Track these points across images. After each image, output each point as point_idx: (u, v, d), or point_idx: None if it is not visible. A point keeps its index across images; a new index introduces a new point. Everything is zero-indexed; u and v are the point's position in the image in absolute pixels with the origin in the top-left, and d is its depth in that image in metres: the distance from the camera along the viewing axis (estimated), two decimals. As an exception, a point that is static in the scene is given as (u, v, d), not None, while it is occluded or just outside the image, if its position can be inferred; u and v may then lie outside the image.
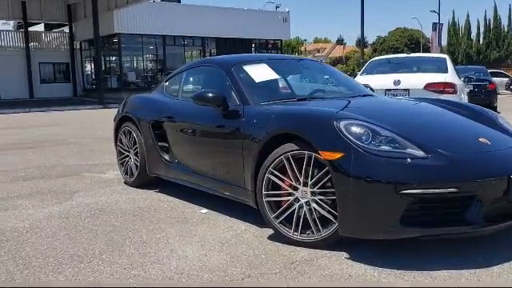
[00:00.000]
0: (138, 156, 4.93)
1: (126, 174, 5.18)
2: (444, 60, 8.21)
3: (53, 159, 7.08)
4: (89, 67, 32.75)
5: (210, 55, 32.76)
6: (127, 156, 5.18)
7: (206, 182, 4.00)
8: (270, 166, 3.17)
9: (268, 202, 3.23)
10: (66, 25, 31.80)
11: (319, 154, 2.90)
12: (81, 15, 30.09)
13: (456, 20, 63.83)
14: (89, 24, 26.24)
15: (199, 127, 4.06)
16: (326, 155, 2.84)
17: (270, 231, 3.37)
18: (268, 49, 34.85)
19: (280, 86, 4.21)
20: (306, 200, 3.07)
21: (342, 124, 2.89)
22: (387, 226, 2.73)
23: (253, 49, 33.87)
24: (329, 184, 2.96)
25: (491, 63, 49.54)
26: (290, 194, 3.14)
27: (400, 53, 31.82)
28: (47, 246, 3.29)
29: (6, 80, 28.02)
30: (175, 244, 3.26)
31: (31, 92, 29.00)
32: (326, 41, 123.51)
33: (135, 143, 4.95)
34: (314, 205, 3.04)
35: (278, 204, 3.22)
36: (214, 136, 3.87)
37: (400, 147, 2.81)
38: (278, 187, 3.20)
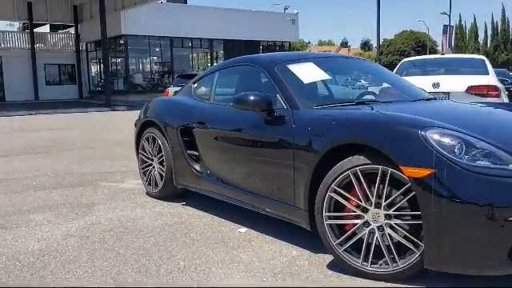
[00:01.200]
0: (163, 165, 4.45)
1: (149, 184, 4.70)
2: (482, 61, 7.69)
3: (64, 166, 6.60)
4: (95, 69, 32.34)
5: (217, 57, 32.37)
6: (150, 165, 4.70)
7: (245, 197, 3.52)
8: (332, 182, 2.68)
9: (330, 225, 2.74)
10: (71, 26, 31.43)
11: (399, 169, 2.41)
12: (87, 16, 29.71)
13: (463, 23, 63.37)
14: (95, 25, 25.85)
15: (236, 134, 3.57)
16: (410, 172, 2.35)
17: (328, 257, 2.89)
18: (275, 51, 34.38)
19: (331, 87, 3.72)
20: (379, 224, 2.58)
21: (429, 133, 2.40)
22: (489, 260, 2.24)
23: (260, 51, 33.40)
24: (408, 205, 2.47)
25: (499, 66, 49.03)
26: (357, 217, 2.65)
27: (407, 56, 31.30)
28: (69, 274, 2.81)
29: (12, 82, 27.67)
30: (219, 273, 2.78)
31: (36, 94, 28.60)
32: (330, 43, 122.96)
33: (160, 151, 4.47)
34: (388, 230, 2.55)
35: (342, 228, 2.73)
36: (256, 145, 3.38)
37: (502, 163, 2.31)
38: (343, 208, 2.70)
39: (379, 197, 2.56)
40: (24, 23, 32.18)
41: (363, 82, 4.11)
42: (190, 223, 3.79)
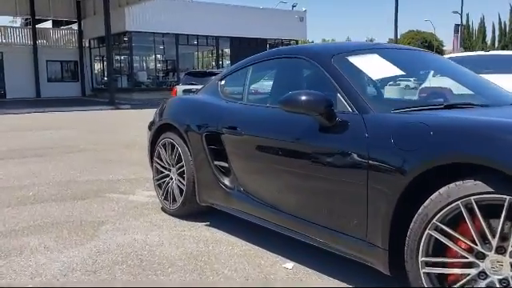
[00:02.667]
0: (183, 177, 3.73)
1: (166, 199, 3.97)
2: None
3: (66, 172, 5.88)
4: (98, 66, 31.64)
5: (223, 55, 31.65)
6: (167, 176, 3.97)
7: (291, 224, 2.79)
8: (434, 216, 1.96)
9: (428, 273, 2.00)
10: (74, 22, 30.74)
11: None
12: (90, 12, 29.01)
13: (470, 23, 62.63)
14: (98, 21, 25.15)
15: (281, 144, 2.84)
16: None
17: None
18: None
19: (408, 85, 2.97)
20: (502, 277, 1.85)
21: None
22: None
23: (267, 49, 32.67)
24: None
25: (508, 67, 48.25)
26: (469, 265, 1.93)
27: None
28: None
29: (13, 78, 26.99)
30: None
31: (38, 91, 27.91)
32: (333, 42, 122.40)
33: (180, 160, 3.74)
34: (517, 286, 1.82)
35: (445, 278, 1.99)
36: (309, 158, 2.65)
37: None
38: (447, 250, 1.97)
39: (503, 238, 1.83)
40: (26, 19, 31.46)
41: (437, 78, 3.36)
42: (220, 253, 3.06)
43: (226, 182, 3.35)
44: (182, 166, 3.73)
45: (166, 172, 4.00)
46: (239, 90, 3.56)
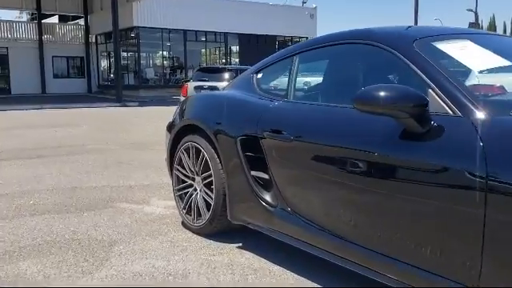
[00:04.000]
0: (210, 189, 3.12)
1: (189, 213, 3.37)
2: None
3: (71, 176, 5.28)
4: (104, 62, 31.07)
5: (231, 52, 31.02)
6: (191, 186, 3.37)
7: (361, 257, 2.17)
8: None
9: None
10: (81, 17, 30.18)
11: None
12: (97, 7, 28.43)
13: (480, 22, 61.81)
14: (105, 16, 24.55)
15: (350, 154, 2.20)
16: None
17: None
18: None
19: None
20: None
21: None
22: None
23: (276, 47, 32.03)
24: None
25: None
26: None
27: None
28: None
29: (18, 74, 26.46)
30: None
31: (43, 87, 27.36)
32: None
33: (207, 168, 3.14)
34: None
35: None
36: (393, 173, 2.02)
37: None
38: None
39: None
40: (32, 13, 30.94)
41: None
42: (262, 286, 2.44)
43: (267, 197, 2.73)
44: (210, 176, 3.12)
45: (189, 181, 3.39)
46: (281, 85, 2.94)
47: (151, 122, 11.74)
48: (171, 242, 3.15)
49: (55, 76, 28.54)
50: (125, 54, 28.17)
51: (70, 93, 26.52)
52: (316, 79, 2.82)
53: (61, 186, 4.83)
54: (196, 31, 28.12)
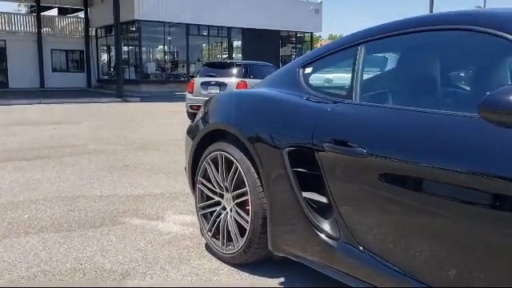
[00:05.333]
0: (245, 209, 2.55)
1: (216, 236, 2.78)
2: None
3: (72, 182, 4.69)
4: (104, 56, 30.39)
5: (233, 47, 30.37)
6: (218, 204, 2.78)
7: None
8: None
9: None
10: (81, 10, 29.48)
11: None
12: (97, -1, 27.77)
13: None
14: (106, 9, 23.90)
15: (461, 179, 1.60)
16: None
17: None
18: (295, 42, 32.35)
19: None
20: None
21: None
22: None
23: (280, 42, 31.40)
24: None
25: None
26: None
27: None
28: None
29: (16, 67, 25.78)
30: None
31: (42, 81, 26.70)
32: (340, 37, 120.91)
33: (241, 183, 2.56)
34: None
35: None
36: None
37: None
38: None
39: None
40: (31, 6, 30.23)
41: None
42: None
43: (325, 226, 2.14)
44: (245, 194, 2.54)
45: (216, 198, 2.80)
46: (341, 83, 2.35)
47: (155, 120, 11.15)
48: (196, 274, 2.57)
49: (54, 70, 27.87)
50: (125, 48, 27.51)
51: (69, 87, 25.85)
52: (343, 75, 2.22)
53: (61, 194, 4.25)
54: (198, 25, 27.47)
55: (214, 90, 10.64)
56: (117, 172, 5.21)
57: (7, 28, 26.85)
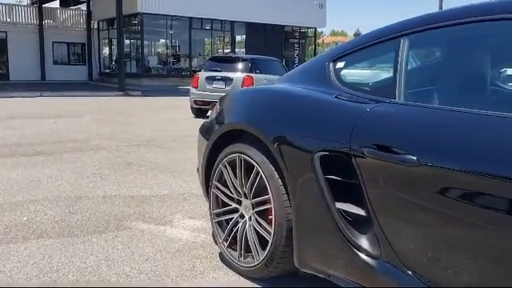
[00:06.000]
0: (266, 219, 2.30)
1: (232, 247, 2.54)
2: None
3: (74, 181, 4.44)
4: (106, 49, 30.08)
5: (235, 42, 30.05)
6: (235, 211, 2.53)
7: None
8: None
9: None
10: (83, 2, 29.15)
11: None
12: (100, -8, 27.41)
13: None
14: (108, 2, 23.52)
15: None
16: None
17: None
18: (299, 38, 32.01)
19: None
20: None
21: None
22: None
23: (283, 37, 31.06)
24: None
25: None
26: None
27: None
28: None
29: (17, 59, 25.47)
30: None
31: (43, 73, 26.39)
32: (343, 34, 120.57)
33: (262, 189, 2.31)
34: None
35: None
36: None
37: None
38: None
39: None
40: (33, -3, 29.90)
41: None
42: None
43: (363, 242, 1.88)
44: (267, 202, 2.29)
45: (234, 205, 2.55)
46: (381, 80, 2.09)
47: (158, 115, 10.89)
48: (212, 289, 2.32)
49: (55, 62, 27.56)
50: (127, 41, 27.21)
51: (71, 80, 25.55)
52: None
53: (62, 194, 4.00)
54: (202, 19, 27.14)
55: (219, 85, 10.39)
56: (120, 170, 4.96)
57: (8, 20, 26.53)
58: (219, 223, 2.66)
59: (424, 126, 1.72)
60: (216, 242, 2.78)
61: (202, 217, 3.45)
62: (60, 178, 4.58)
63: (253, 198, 2.40)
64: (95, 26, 29.00)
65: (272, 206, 2.25)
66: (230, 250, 2.56)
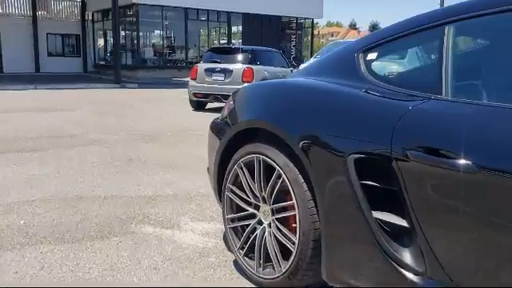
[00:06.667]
0: (289, 227, 2.08)
1: (249, 256, 2.33)
2: None
3: (72, 179, 4.22)
4: (101, 41, 29.68)
5: (231, 33, 29.72)
6: (252, 217, 2.31)
7: None
8: None
9: None
10: (77, -8, 28.72)
11: None
12: (94, -18, 26.99)
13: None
14: (103, -8, 23.16)
15: None
16: None
17: None
18: (295, 29, 31.70)
19: None
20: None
21: None
22: None
23: (280, 28, 30.73)
24: None
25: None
26: None
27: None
28: None
29: (10, 51, 25.06)
30: None
31: (37, 66, 26.01)
32: (338, 25, 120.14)
33: (284, 196, 2.10)
34: None
35: None
36: None
37: None
38: None
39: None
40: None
41: None
42: None
43: (405, 256, 1.67)
44: (290, 208, 2.07)
45: (251, 210, 2.33)
46: (421, 73, 1.86)
47: (156, 108, 10.63)
48: (230, 304, 2.11)
49: (50, 54, 27.16)
50: (122, 32, 26.80)
51: (65, 72, 25.18)
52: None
53: (60, 193, 3.77)
54: (198, 9, 26.79)
55: (219, 77, 10.14)
56: (121, 167, 4.73)
57: (1, 11, 26.10)
58: (234, 229, 2.44)
59: (483, 126, 1.50)
60: (229, 248, 2.57)
61: (210, 219, 3.24)
62: (57, 175, 4.34)
63: (273, 204, 2.18)
64: (90, 18, 28.60)
65: (296, 212, 2.03)
66: (246, 258, 2.35)
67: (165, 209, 3.45)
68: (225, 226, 2.51)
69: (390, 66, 2.10)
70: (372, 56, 2.02)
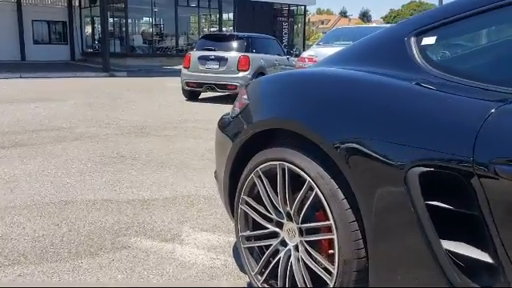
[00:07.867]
0: (324, 251, 1.67)
1: (270, 283, 1.92)
2: None
3: (58, 181, 3.79)
4: (89, 28, 28.93)
5: (222, 21, 29.14)
6: (273, 236, 1.91)
7: None
8: None
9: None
10: (63, -22, 27.88)
11: None
12: (81, -33, 26.19)
13: None
14: (91, -23, 22.45)
15: None
16: None
17: None
18: (287, 16, 31.18)
19: None
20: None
21: None
22: None
23: (272, 17, 30.19)
24: None
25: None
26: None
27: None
28: None
29: (-6, 38, 24.28)
30: None
31: (23, 54, 25.26)
32: (328, 12, 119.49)
33: (316, 212, 1.67)
34: None
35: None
36: None
37: None
38: None
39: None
40: (9, -27, 28.44)
41: None
42: None
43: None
44: (325, 230, 1.66)
45: (272, 228, 1.92)
46: (500, 63, 1.46)
47: (147, 97, 10.16)
48: None
49: (35, 42, 26.38)
50: (111, 19, 26.11)
51: (52, 60, 24.46)
52: None
53: (44, 198, 3.34)
54: (188, -5, 26.17)
55: (213, 66, 9.69)
56: (112, 165, 4.30)
57: (-17, -4, 25.25)
58: (250, 250, 2.03)
59: None
60: (241, 268, 2.18)
61: (214, 228, 2.84)
62: (42, 176, 3.90)
63: (302, 223, 1.78)
64: (76, 4, 27.82)
65: (334, 236, 1.62)
66: (265, 284, 1.94)
67: (163, 216, 3.04)
68: (238, 243, 2.10)
69: (454, 53, 1.68)
70: (429, 40, 1.61)
